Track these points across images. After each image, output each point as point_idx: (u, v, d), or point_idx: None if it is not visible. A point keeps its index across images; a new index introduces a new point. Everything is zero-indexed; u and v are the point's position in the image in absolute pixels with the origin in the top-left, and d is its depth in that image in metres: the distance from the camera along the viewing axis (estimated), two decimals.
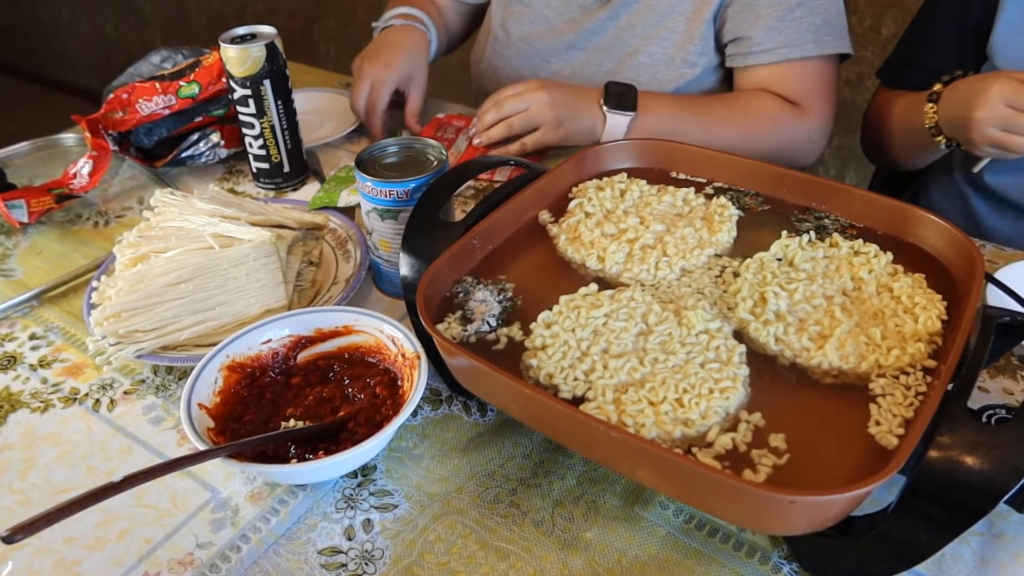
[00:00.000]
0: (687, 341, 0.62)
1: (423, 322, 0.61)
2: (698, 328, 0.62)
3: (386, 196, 0.78)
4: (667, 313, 0.64)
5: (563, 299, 0.66)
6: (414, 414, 0.72)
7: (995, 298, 0.73)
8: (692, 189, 0.79)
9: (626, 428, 0.55)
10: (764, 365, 0.61)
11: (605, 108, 1.03)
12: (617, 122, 1.03)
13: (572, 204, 0.78)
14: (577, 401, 0.59)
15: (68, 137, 1.16)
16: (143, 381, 0.77)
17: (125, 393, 0.76)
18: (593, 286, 0.68)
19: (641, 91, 1.04)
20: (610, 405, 0.57)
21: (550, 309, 0.65)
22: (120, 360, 0.76)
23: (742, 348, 0.62)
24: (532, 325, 0.64)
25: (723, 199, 0.77)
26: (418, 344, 0.69)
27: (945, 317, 0.62)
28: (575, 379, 0.60)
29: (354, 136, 1.18)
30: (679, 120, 1.05)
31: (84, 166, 1.01)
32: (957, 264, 0.67)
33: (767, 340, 0.62)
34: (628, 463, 0.55)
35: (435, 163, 0.80)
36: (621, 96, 1.03)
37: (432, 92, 1.31)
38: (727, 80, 1.16)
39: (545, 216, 0.78)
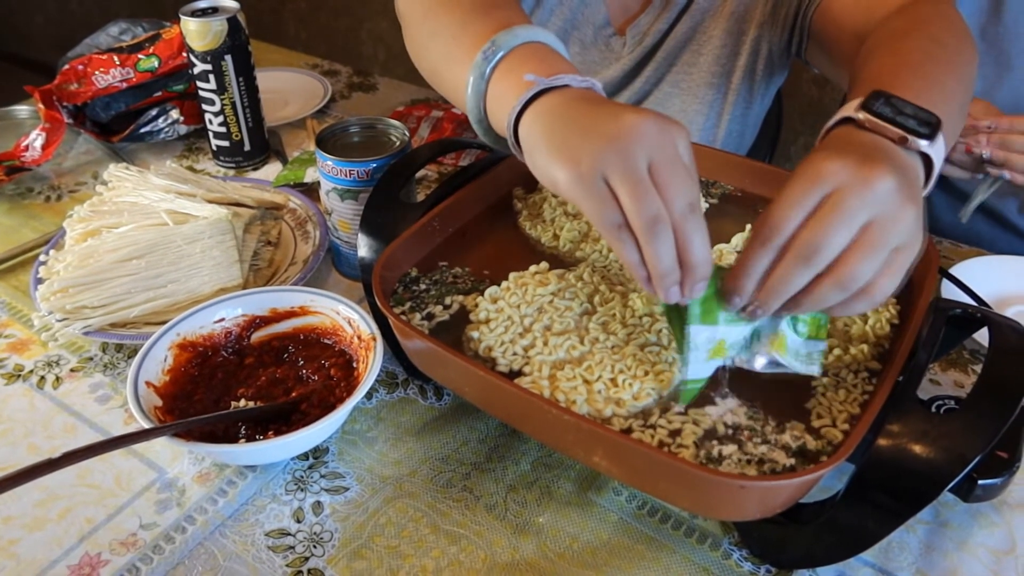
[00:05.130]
0: (629, 323, 0.62)
1: (378, 302, 0.60)
2: (642, 311, 0.62)
3: (346, 176, 0.77)
4: (614, 295, 0.64)
5: (512, 275, 0.66)
6: (369, 396, 0.71)
7: (951, 295, 0.74)
8: None
9: (558, 403, 0.55)
10: None
11: (922, 144, 0.53)
12: (938, 154, 0.55)
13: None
14: (514, 375, 0.58)
15: (22, 109, 1.13)
16: (91, 359, 0.75)
17: (71, 371, 0.73)
18: (544, 264, 0.67)
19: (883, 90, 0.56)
20: (544, 380, 0.57)
21: (498, 285, 0.65)
22: (67, 337, 0.73)
23: None
24: (479, 299, 0.64)
25: None
26: (374, 326, 0.68)
27: (896, 321, 0.62)
28: (513, 354, 0.60)
29: (318, 116, 1.16)
30: (946, 103, 0.61)
31: (37, 138, 0.98)
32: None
33: None
34: (582, 448, 0.54)
35: (397, 144, 0.79)
36: (905, 112, 0.54)
37: (403, 77, 1.30)
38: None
39: (519, 191, 0.77)
